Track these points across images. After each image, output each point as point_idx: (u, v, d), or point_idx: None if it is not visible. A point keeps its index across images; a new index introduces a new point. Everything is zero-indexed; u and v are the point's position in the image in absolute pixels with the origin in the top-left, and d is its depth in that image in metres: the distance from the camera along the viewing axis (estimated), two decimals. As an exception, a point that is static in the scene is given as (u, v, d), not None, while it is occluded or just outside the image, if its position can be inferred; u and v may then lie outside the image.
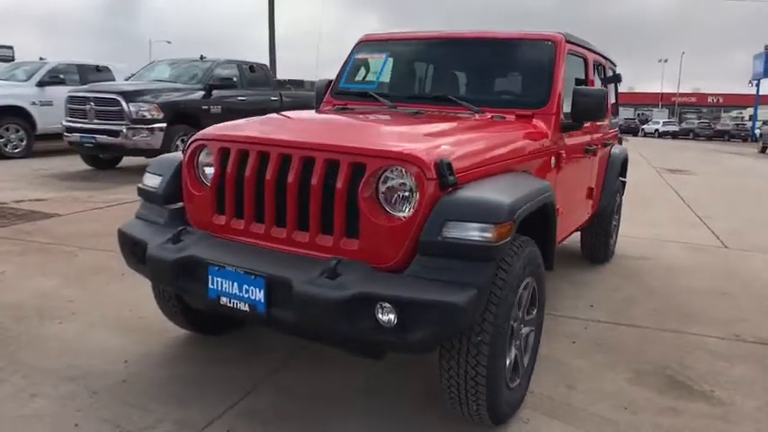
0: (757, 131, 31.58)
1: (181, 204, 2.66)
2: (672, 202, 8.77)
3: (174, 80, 9.94)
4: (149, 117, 8.60)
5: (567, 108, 3.18)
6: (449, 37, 3.59)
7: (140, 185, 2.76)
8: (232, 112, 9.93)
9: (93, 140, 8.72)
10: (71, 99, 9.10)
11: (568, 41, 3.36)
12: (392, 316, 1.96)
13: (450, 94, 3.27)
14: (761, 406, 2.70)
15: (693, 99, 61.20)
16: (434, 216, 2.04)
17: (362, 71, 3.85)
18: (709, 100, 60.83)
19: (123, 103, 8.45)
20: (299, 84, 15.07)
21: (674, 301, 4.06)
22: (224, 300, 2.23)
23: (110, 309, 3.54)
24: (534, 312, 2.57)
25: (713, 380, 2.92)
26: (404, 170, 2.11)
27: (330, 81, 3.96)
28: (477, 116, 3.01)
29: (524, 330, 2.50)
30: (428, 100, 3.36)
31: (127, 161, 10.10)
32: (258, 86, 10.92)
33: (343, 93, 3.73)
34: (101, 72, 13.04)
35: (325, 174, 2.20)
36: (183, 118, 9.11)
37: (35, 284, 3.94)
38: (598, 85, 4.03)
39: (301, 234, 2.28)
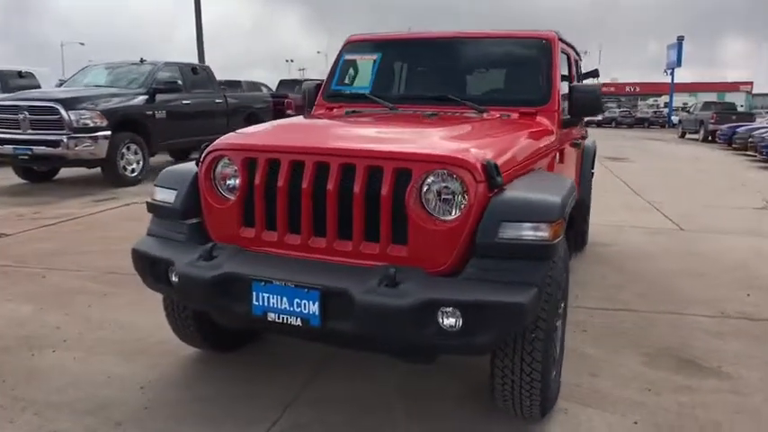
0: (675, 118, 33.73)
1: (196, 219, 2.54)
2: (619, 189, 9.23)
3: (112, 85, 9.43)
4: (92, 125, 8.11)
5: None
6: (443, 37, 3.61)
7: (151, 201, 2.61)
8: (178, 117, 9.61)
9: (30, 152, 8.12)
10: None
11: (559, 39, 3.46)
12: (455, 320, 1.96)
13: (451, 95, 3.28)
14: (763, 377, 2.90)
15: (612, 89, 64.51)
16: (489, 218, 2.05)
17: (351, 72, 3.80)
18: (627, 89, 64.26)
19: (63, 112, 7.92)
20: (236, 84, 14.77)
21: (658, 284, 4.29)
22: (272, 316, 2.15)
23: (104, 332, 3.33)
24: (562, 305, 2.64)
25: (716, 356, 3.10)
26: (452, 173, 2.10)
27: (320, 83, 3.90)
28: (485, 115, 3.05)
29: (558, 323, 2.57)
30: (428, 101, 3.35)
31: (64, 172, 9.51)
32: (202, 89, 10.57)
33: (336, 95, 3.67)
34: (24, 78, 12.25)
35: (367, 180, 2.16)
36: (128, 125, 8.69)
37: (7, 312, 3.64)
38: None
39: (343, 243, 2.23)
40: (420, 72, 3.76)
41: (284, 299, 2.12)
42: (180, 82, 9.54)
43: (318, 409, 2.53)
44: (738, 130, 16.62)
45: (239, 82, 16.09)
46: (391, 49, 3.72)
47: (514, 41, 3.44)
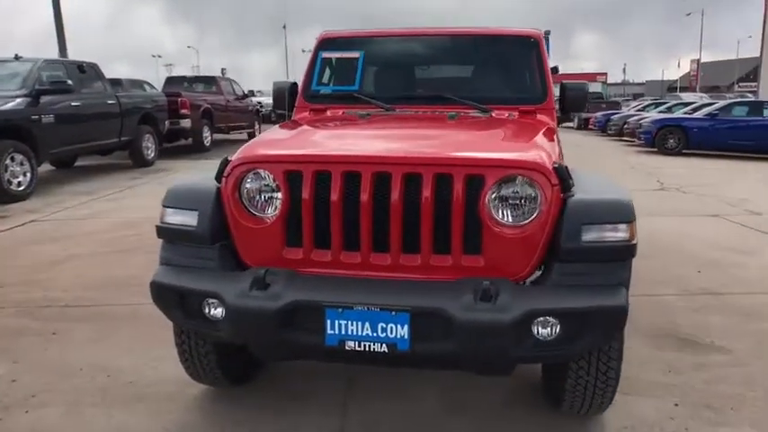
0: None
1: (222, 242, 2.24)
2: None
3: (-19, 86, 8.20)
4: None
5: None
6: (430, 34, 3.51)
7: (164, 225, 2.26)
8: (67, 121, 8.64)
9: None
10: None
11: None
12: (550, 329, 1.91)
13: (448, 94, 3.21)
14: (753, 346, 3.18)
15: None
16: (569, 221, 2.01)
17: (330, 71, 3.59)
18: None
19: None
20: (115, 83, 13.58)
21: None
22: (350, 344, 1.95)
23: (79, 380, 2.86)
24: None
25: (705, 332, 3.35)
26: (527, 178, 2.03)
27: (294, 83, 3.64)
28: (493, 114, 3.01)
29: None
30: (426, 101, 3.25)
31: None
32: (90, 89, 9.54)
33: (318, 96, 3.44)
34: None
35: (435, 189, 2.03)
36: (9, 132, 7.58)
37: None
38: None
39: (409, 257, 2.08)
40: (410, 71, 3.63)
41: (366, 324, 1.93)
42: (69, 81, 8.50)
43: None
44: (612, 117, 18.28)
45: (119, 80, 14.76)
46: (375, 47, 3.56)
47: (504, 39, 3.43)
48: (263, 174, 2.16)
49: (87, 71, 9.57)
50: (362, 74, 3.45)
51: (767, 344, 3.21)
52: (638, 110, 20.87)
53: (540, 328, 1.91)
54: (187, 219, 2.21)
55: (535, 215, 2.03)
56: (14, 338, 3.36)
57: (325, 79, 3.56)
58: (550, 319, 1.90)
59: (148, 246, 5.33)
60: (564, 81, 3.34)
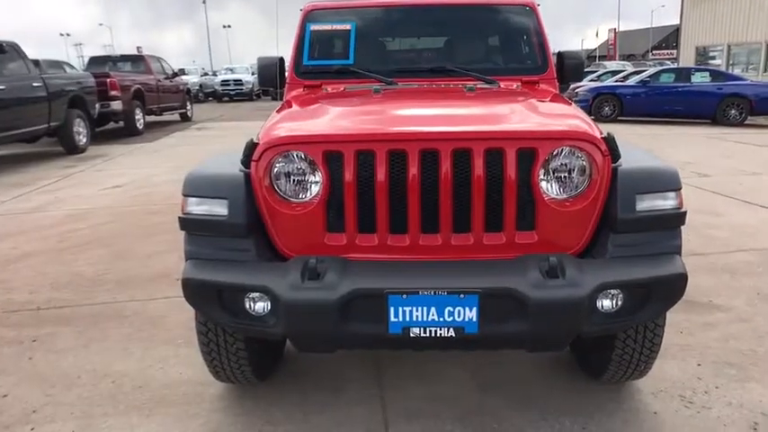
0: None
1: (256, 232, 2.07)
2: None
3: None
4: None
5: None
6: (423, 3, 3.37)
7: (188, 216, 2.06)
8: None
9: None
10: None
11: None
12: (613, 301, 1.90)
13: (449, 66, 3.11)
14: (749, 302, 3.34)
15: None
16: (623, 191, 1.98)
17: (320, 45, 3.39)
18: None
19: None
20: (34, 64, 12.55)
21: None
22: (415, 331, 1.85)
23: (82, 389, 2.61)
24: None
25: (700, 291, 3.48)
26: (578, 149, 1.99)
27: (280, 59, 3.42)
28: (502, 86, 2.94)
29: None
30: (424, 73, 3.13)
31: None
32: (12, 71, 8.72)
33: (311, 72, 3.25)
34: None
35: (486, 164, 1.95)
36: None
37: None
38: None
39: (461, 237, 2.00)
40: (407, 42, 3.49)
41: (433, 309, 1.84)
42: (-9, 63, 7.72)
43: (420, 421, 2.29)
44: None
45: (37, 61, 13.59)
46: (367, 17, 3.38)
47: (500, 8, 3.34)
48: (298, 156, 2.00)
49: (7, 51, 8.72)
50: (358, 46, 3.29)
51: (762, 298, 3.38)
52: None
53: (603, 301, 1.89)
54: (216, 208, 2.02)
55: (587, 186, 2.00)
56: (-10, 349, 3.03)
57: (315, 54, 3.37)
58: (613, 291, 1.88)
59: (105, 238, 5.00)
60: (563, 51, 3.31)
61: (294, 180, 2.02)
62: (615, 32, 53.11)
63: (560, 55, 3.30)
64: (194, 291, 1.97)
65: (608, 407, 2.35)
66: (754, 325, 3.05)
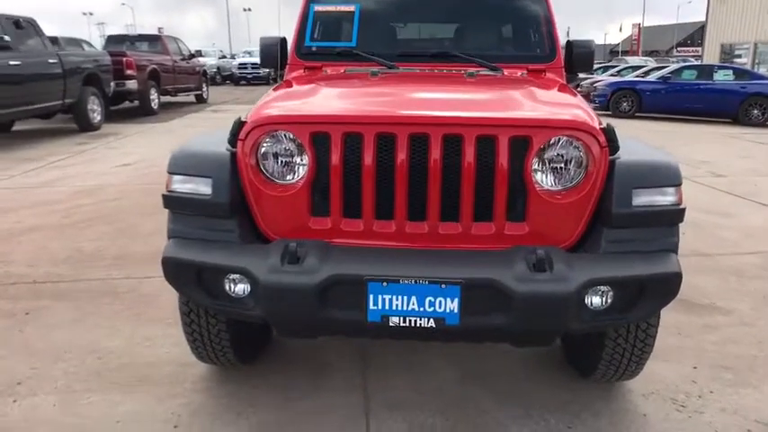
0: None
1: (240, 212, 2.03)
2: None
3: None
4: None
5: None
6: None
7: (172, 193, 2.02)
8: (6, 82, 7.93)
9: None
10: None
11: None
12: (602, 298, 1.84)
13: (454, 51, 3.03)
14: (753, 306, 3.24)
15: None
16: (619, 185, 1.91)
17: (321, 26, 3.33)
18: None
19: None
20: (53, 41, 12.63)
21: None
22: (394, 320, 1.81)
23: (68, 364, 2.61)
24: None
25: (702, 293, 3.39)
26: (575, 139, 1.91)
27: (283, 39, 3.37)
28: (506, 73, 2.86)
29: None
30: (427, 58, 3.05)
31: None
32: (29, 47, 8.76)
33: (312, 53, 3.19)
34: None
35: (477, 151, 1.88)
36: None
37: None
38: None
39: (449, 226, 1.94)
40: (410, 26, 3.41)
41: (413, 299, 1.79)
42: (6, 38, 7.75)
43: (402, 411, 2.25)
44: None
45: (56, 38, 13.68)
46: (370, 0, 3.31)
47: None
48: (284, 136, 1.95)
49: (25, 27, 8.76)
50: (362, 29, 3.22)
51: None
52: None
53: (592, 298, 1.83)
54: (200, 187, 1.99)
55: (583, 178, 1.93)
56: (-18, 321, 3.04)
57: (317, 35, 3.31)
58: (603, 287, 1.82)
59: (109, 215, 5.01)
60: (572, 39, 3.21)
61: (280, 161, 1.97)
62: (639, 27, 52.21)
63: (569, 44, 3.20)
64: (174, 270, 1.95)
65: (596, 406, 2.30)
66: (756, 329, 2.96)
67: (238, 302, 1.90)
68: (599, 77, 17.28)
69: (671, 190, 1.94)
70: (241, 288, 1.90)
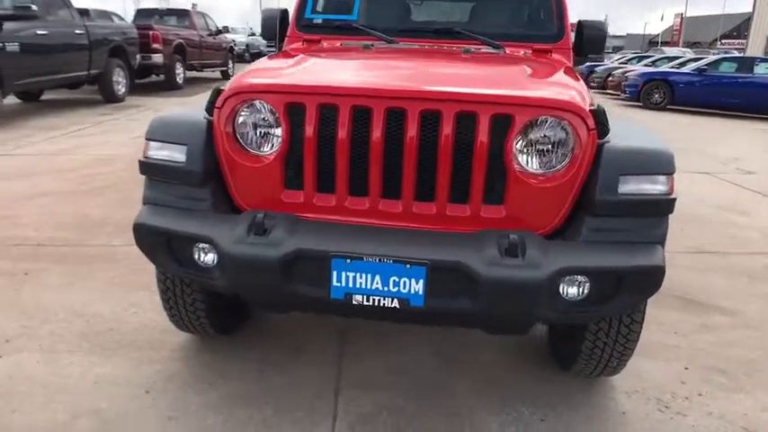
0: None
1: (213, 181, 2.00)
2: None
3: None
4: None
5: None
6: None
7: (147, 160, 2.00)
8: (34, 51, 8.06)
9: None
10: None
11: None
12: (579, 289, 1.76)
13: (458, 28, 2.93)
14: (761, 309, 3.10)
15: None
16: (605, 171, 1.81)
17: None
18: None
19: None
20: (83, 13, 12.75)
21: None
22: (358, 299, 1.76)
23: (55, 325, 2.64)
24: None
25: (710, 293, 3.26)
26: (560, 120, 1.82)
27: (285, 10, 3.31)
28: (507, 51, 2.76)
29: None
30: (428, 34, 2.96)
31: None
32: (57, 17, 8.87)
33: (313, 26, 3.13)
34: None
35: (456, 129, 1.81)
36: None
37: None
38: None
39: (423, 205, 1.87)
40: (413, 1, 3.32)
41: (377, 278, 1.74)
42: (34, 7, 7.85)
43: (372, 392, 2.22)
44: (596, 69, 17.91)
45: (86, 10, 13.84)
46: None
47: None
48: (260, 106, 1.91)
49: (53, -4, 8.86)
50: (363, 2, 3.14)
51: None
52: (621, 63, 20.51)
53: (567, 288, 1.75)
54: (175, 154, 1.96)
55: (567, 162, 1.84)
56: (-18, 279, 3.11)
57: (319, 8, 3.24)
58: (579, 277, 1.74)
59: (122, 184, 5.06)
60: (583, 20, 3.08)
61: (257, 131, 1.93)
62: (682, 17, 50.47)
63: (580, 24, 3.07)
64: (144, 236, 1.93)
65: (574, 400, 2.23)
66: (760, 333, 2.84)
67: (205, 272, 1.88)
68: (631, 67, 16.80)
69: (662, 178, 1.84)
70: (210, 258, 1.88)
